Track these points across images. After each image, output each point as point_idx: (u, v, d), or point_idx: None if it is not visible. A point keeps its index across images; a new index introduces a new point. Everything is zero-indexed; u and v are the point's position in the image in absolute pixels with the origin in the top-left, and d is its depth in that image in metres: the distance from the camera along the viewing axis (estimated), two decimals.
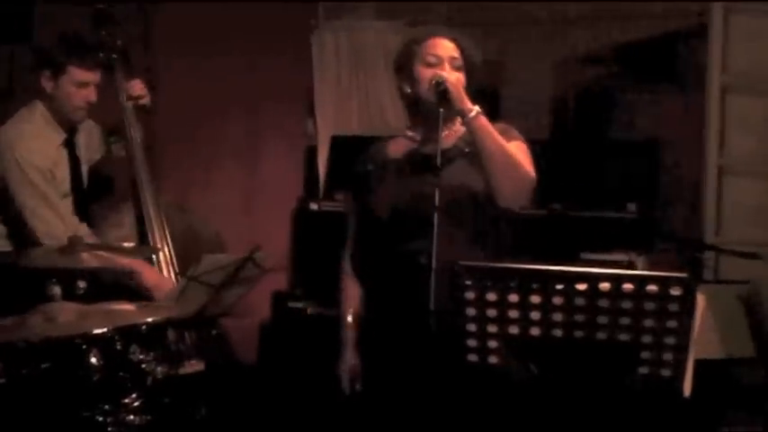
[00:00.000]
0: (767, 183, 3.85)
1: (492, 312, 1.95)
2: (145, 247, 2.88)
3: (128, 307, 2.54)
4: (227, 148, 4.21)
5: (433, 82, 2.28)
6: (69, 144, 3.01)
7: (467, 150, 2.37)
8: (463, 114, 2.28)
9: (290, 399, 3.53)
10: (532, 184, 2.33)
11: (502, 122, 2.42)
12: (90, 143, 3.12)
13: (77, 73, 2.91)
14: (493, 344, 1.97)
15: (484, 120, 2.27)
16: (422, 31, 2.46)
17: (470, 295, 1.96)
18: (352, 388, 2.40)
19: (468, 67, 2.38)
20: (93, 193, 3.07)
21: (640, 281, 1.89)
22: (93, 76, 2.94)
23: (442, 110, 2.24)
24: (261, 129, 4.22)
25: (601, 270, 1.92)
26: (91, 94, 2.93)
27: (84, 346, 2.33)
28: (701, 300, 1.98)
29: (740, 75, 3.84)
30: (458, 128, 2.41)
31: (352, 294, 2.45)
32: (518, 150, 2.35)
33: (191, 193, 4.12)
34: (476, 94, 2.38)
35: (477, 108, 2.28)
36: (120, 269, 2.76)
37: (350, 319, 2.42)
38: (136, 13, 4.06)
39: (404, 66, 2.39)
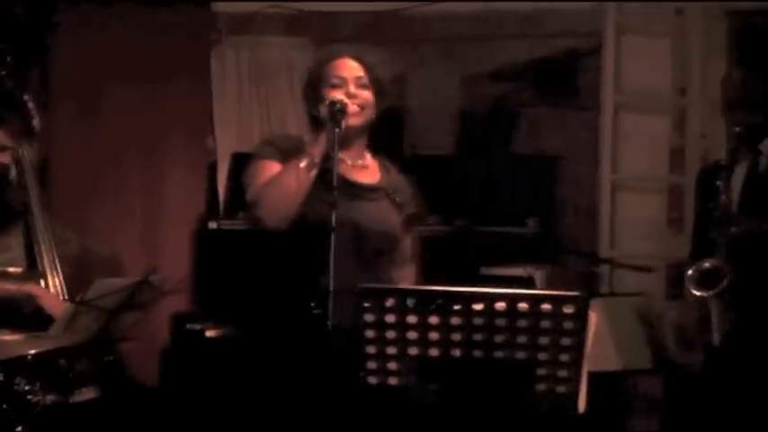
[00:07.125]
0: (658, 198, 3.99)
1: (391, 334, 1.95)
2: (30, 272, 2.76)
3: (12, 337, 2.44)
4: (126, 169, 4.11)
5: (327, 102, 2.25)
6: None
7: (391, 194, 2.40)
8: None
9: (193, 422, 3.45)
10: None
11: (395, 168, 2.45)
12: None
13: None
14: (393, 365, 1.97)
15: None
16: (326, 52, 2.44)
17: (369, 317, 1.96)
18: None
19: (375, 84, 2.37)
20: None
21: (535, 300, 1.92)
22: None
23: (337, 130, 2.22)
24: (160, 147, 4.13)
25: (496, 290, 1.94)
26: None
27: None
28: (593, 315, 2.02)
29: (632, 93, 3.97)
30: (390, 175, 2.43)
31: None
32: None
33: (88, 215, 3.99)
34: (385, 111, 2.38)
35: None
36: (18, 294, 2.65)
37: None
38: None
39: (311, 89, 2.37)
